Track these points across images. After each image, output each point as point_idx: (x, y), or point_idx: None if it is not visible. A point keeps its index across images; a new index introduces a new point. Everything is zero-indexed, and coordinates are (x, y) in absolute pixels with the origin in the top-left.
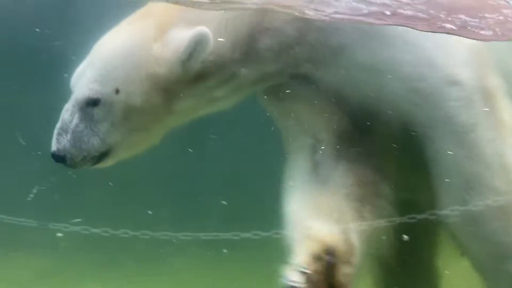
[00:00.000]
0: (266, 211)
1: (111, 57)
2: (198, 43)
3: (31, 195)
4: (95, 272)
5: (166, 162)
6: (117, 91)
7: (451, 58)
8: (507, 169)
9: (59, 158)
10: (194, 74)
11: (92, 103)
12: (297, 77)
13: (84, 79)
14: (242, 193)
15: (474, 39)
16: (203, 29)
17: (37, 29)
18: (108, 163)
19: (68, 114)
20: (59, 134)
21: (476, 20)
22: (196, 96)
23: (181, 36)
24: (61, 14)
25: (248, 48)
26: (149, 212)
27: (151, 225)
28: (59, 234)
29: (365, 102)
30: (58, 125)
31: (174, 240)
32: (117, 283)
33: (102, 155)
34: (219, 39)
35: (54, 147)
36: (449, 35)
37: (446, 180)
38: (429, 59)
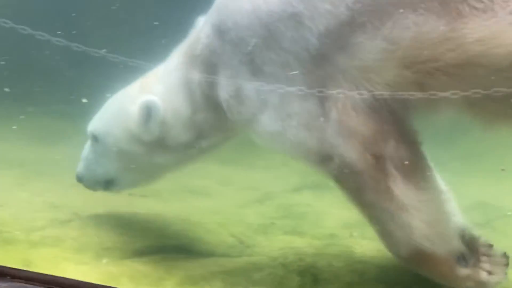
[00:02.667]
0: None
1: (110, 105)
2: (149, 109)
3: None
4: None
5: None
6: (107, 134)
7: None
8: None
9: (78, 178)
10: (158, 139)
11: (94, 138)
12: None
13: (93, 119)
14: None
15: None
16: (152, 98)
17: None
18: (121, 189)
19: (86, 145)
20: (81, 160)
21: None
22: (174, 153)
23: (139, 100)
24: None
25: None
26: None
27: None
28: None
29: None
30: (82, 153)
31: None
32: None
33: (109, 182)
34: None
35: (77, 169)
36: None
37: None
38: None
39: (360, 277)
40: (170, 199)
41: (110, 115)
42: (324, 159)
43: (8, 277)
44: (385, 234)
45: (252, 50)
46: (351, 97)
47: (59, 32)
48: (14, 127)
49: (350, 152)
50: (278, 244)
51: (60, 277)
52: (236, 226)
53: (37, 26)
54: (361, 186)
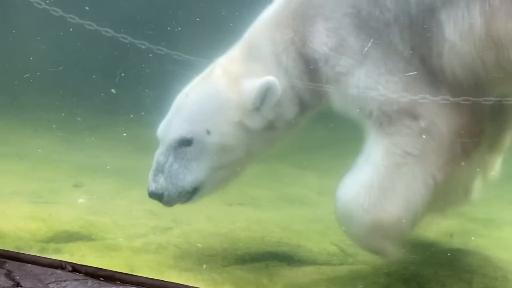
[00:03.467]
0: None
1: (198, 103)
2: (268, 91)
3: None
4: None
5: None
6: (208, 132)
7: None
8: None
9: (156, 196)
10: (269, 122)
11: (185, 142)
12: None
13: (175, 124)
14: None
15: None
16: (272, 78)
17: None
18: (198, 199)
19: (162, 156)
20: (155, 175)
21: None
22: (276, 137)
23: (252, 85)
24: None
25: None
26: None
27: None
28: None
29: None
30: (153, 168)
31: None
32: None
33: (195, 191)
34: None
35: (151, 186)
36: None
37: None
38: None
39: (469, 287)
40: (268, 208)
41: (206, 110)
42: (408, 117)
43: (118, 282)
44: (384, 197)
45: (359, 3)
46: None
47: (173, 27)
48: (124, 134)
49: (445, 123)
50: None
51: (169, 282)
52: (336, 235)
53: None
54: (425, 155)
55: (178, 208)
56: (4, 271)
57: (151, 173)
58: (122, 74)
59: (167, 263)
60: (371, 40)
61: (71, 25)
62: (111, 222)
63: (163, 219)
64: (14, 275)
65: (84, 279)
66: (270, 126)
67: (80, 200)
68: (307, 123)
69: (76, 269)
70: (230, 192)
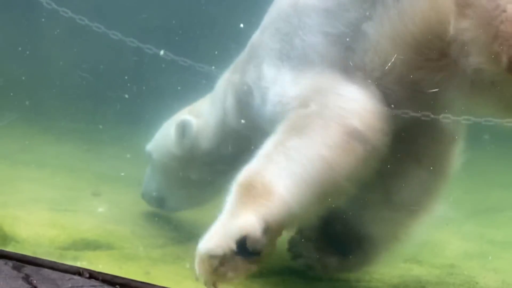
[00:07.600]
0: None
1: (161, 130)
2: (184, 127)
3: None
4: None
5: None
6: (155, 152)
7: None
8: None
9: (141, 195)
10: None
11: (149, 156)
12: None
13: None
14: None
15: None
16: (185, 117)
17: None
18: (173, 209)
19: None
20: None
21: None
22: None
23: (176, 124)
24: None
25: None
26: None
27: None
28: None
29: None
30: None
31: None
32: None
33: (161, 200)
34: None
35: None
36: None
37: None
38: None
39: None
40: None
41: (159, 137)
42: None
43: None
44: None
45: None
46: None
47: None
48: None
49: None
50: (398, 272)
51: None
52: None
53: None
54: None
55: (199, 220)
56: (22, 275)
57: None
58: (144, 87)
59: (184, 274)
60: None
61: (97, 35)
62: (130, 232)
63: (182, 230)
64: (31, 279)
65: (101, 285)
66: (192, 153)
67: (100, 209)
68: None
69: (93, 276)
70: None
